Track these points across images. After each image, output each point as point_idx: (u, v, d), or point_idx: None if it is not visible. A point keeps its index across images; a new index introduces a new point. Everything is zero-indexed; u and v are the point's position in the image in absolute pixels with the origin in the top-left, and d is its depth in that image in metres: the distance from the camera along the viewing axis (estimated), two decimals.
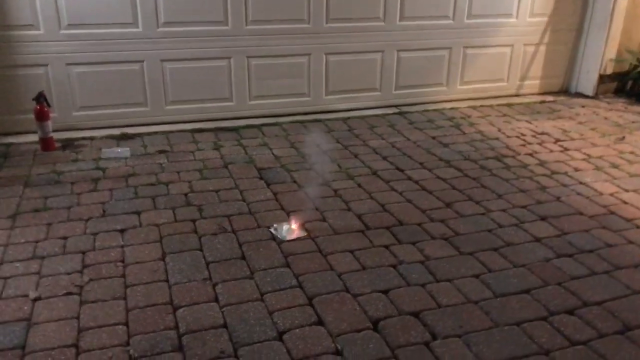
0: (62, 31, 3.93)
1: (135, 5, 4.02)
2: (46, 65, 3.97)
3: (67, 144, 3.91)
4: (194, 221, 2.94)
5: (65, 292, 2.33)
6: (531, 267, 2.59)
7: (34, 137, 3.83)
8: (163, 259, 2.60)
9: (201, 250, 2.67)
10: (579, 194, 3.37)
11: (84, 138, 4.03)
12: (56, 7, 3.86)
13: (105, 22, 3.99)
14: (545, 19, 5.22)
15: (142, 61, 4.18)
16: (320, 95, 4.71)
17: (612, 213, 3.14)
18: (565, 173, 3.66)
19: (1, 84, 3.91)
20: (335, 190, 3.34)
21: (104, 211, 3.02)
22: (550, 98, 5.39)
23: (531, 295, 2.38)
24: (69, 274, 2.46)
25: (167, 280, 2.43)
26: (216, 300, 2.31)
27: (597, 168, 3.75)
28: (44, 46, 3.92)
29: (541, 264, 2.62)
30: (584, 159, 3.90)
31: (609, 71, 5.34)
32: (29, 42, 3.88)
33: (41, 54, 3.93)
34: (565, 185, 3.48)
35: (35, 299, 2.28)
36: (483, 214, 3.10)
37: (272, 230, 2.86)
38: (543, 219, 3.06)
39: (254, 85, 4.53)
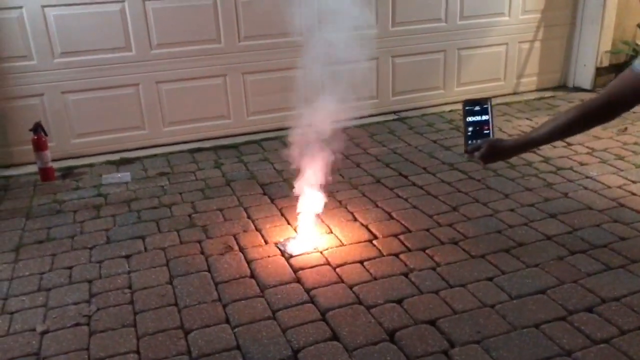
0: (56, 60, 3.92)
1: (128, 29, 4.01)
2: (41, 95, 3.95)
3: (67, 172, 3.89)
4: (199, 242, 2.90)
5: (73, 323, 2.29)
6: (545, 266, 2.54)
7: (34, 168, 3.81)
8: (171, 282, 2.56)
9: (209, 271, 2.63)
10: (586, 188, 3.33)
11: (83, 165, 4.00)
12: (48, 37, 3.85)
13: (99, 48, 3.99)
14: (538, 15, 5.21)
15: (138, 84, 4.17)
16: (320, 106, 4.68)
17: (622, 205, 3.09)
18: (571, 168, 3.63)
19: None
20: (340, 201, 3.30)
21: (108, 238, 2.98)
22: (548, 94, 5.36)
23: (547, 295, 2.33)
24: (76, 304, 2.42)
25: (176, 304, 2.39)
26: (227, 321, 2.26)
27: (602, 161, 3.72)
28: (38, 76, 3.90)
29: (555, 263, 2.57)
30: (588, 153, 3.86)
31: (606, 63, 5.32)
32: (23, 73, 3.87)
33: (36, 84, 3.91)
34: (571, 181, 3.44)
35: (43, 332, 2.24)
36: (491, 215, 3.06)
37: (279, 245, 2.82)
38: (552, 216, 3.01)
39: (251, 101, 4.51)
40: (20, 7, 3.74)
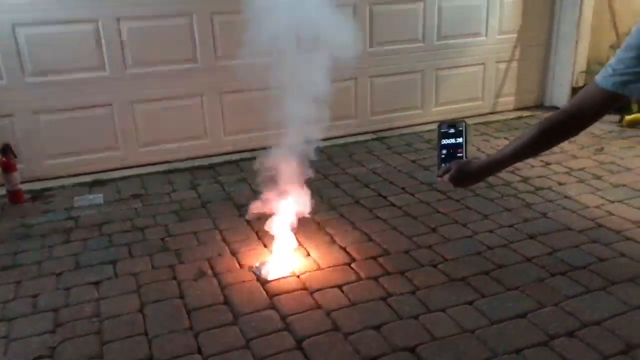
0: (27, 79, 3.83)
1: (101, 48, 3.94)
2: (11, 115, 3.84)
3: (37, 195, 3.77)
4: (172, 267, 2.81)
5: (35, 356, 2.17)
6: (525, 289, 2.50)
7: (2, 191, 3.68)
8: (141, 310, 2.46)
9: (181, 297, 2.54)
10: (565, 208, 3.32)
11: (54, 188, 3.89)
12: (19, 56, 3.76)
13: (71, 68, 3.90)
14: (514, 35, 5.26)
15: (111, 104, 4.08)
16: (297, 127, 4.63)
17: (601, 226, 3.08)
18: (549, 188, 3.62)
19: None
20: (318, 223, 3.24)
21: (77, 263, 2.87)
22: (526, 113, 5.40)
23: (528, 320, 2.29)
24: (40, 335, 2.30)
25: (146, 334, 2.29)
26: (199, 351, 2.17)
27: (580, 180, 3.72)
28: (8, 96, 3.80)
29: (535, 285, 2.54)
30: (566, 172, 3.87)
31: (581, 83, 5.38)
32: None
33: (5, 103, 3.80)
34: (550, 201, 3.43)
35: None
36: (470, 236, 3.03)
37: (254, 270, 2.75)
38: (532, 237, 2.99)
39: (228, 120, 4.45)
40: None
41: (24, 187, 3.73)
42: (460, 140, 1.66)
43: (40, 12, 3.73)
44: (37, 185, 3.89)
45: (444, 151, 1.66)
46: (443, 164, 1.66)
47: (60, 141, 4.01)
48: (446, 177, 1.63)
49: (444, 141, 1.65)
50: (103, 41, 3.93)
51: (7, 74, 3.77)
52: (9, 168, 3.58)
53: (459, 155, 1.66)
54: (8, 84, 3.79)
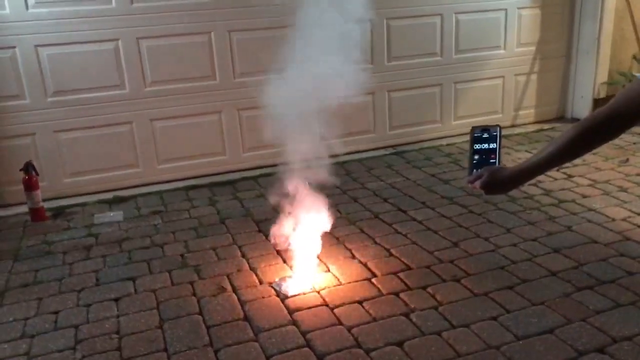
0: (49, 99, 3.89)
1: (121, 66, 3.99)
2: (33, 134, 3.90)
3: (58, 212, 3.80)
4: (191, 283, 2.79)
5: None
6: (551, 304, 2.44)
7: (24, 208, 3.72)
8: (161, 326, 2.44)
9: (201, 314, 2.52)
10: (590, 221, 3.24)
11: (75, 205, 3.92)
12: (41, 76, 3.82)
13: (92, 87, 3.96)
14: (533, 48, 5.22)
15: (132, 122, 4.12)
16: (315, 142, 4.63)
17: (628, 239, 3.00)
18: (573, 201, 3.55)
19: None
20: (338, 238, 3.21)
21: (97, 280, 2.88)
22: (547, 126, 5.33)
23: (555, 335, 2.22)
24: (60, 351, 2.30)
25: (165, 350, 2.27)
26: None
27: (605, 193, 3.64)
28: (30, 115, 3.86)
29: (561, 300, 2.47)
30: (590, 185, 3.79)
31: (603, 94, 5.30)
32: (15, 112, 3.82)
33: (28, 123, 3.87)
34: (574, 214, 3.36)
35: None
36: (493, 250, 2.97)
37: (274, 285, 2.72)
38: (556, 251, 2.92)
39: (246, 137, 4.46)
40: (14, 47, 3.73)
41: (46, 204, 3.76)
42: (494, 145, 1.58)
43: (62, 33, 3.80)
44: (58, 203, 3.93)
45: (476, 156, 1.59)
46: (474, 170, 1.58)
47: (81, 159, 4.05)
48: (478, 183, 1.54)
49: (477, 146, 1.59)
50: (123, 60, 3.98)
51: (30, 94, 3.83)
52: (31, 186, 3.61)
53: (492, 161, 1.59)
54: (31, 103, 3.85)
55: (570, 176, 3.94)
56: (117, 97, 4.04)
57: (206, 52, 4.19)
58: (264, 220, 3.49)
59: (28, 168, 3.63)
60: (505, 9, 5.01)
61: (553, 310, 2.39)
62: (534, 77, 5.32)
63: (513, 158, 4.38)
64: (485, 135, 1.58)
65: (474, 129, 1.59)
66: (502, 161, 1.59)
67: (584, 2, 5.18)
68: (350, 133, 4.77)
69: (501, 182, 1.53)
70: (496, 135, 1.58)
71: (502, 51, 5.11)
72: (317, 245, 2.87)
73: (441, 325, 2.34)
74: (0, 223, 3.68)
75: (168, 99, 4.16)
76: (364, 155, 4.71)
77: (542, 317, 2.35)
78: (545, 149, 1.44)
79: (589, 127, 1.34)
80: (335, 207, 3.63)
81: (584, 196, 3.61)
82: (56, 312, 2.59)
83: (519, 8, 5.06)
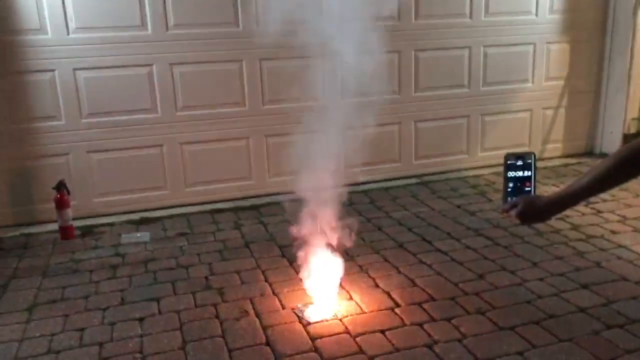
0: (83, 120, 4.00)
1: (154, 91, 4.10)
2: (67, 154, 4.01)
3: (87, 231, 3.87)
4: (215, 305, 2.81)
5: None
6: (579, 341, 2.38)
7: (55, 226, 3.80)
8: (183, 348, 2.45)
9: (223, 337, 2.53)
10: (619, 258, 3.18)
11: (103, 224, 3.99)
12: (78, 98, 3.94)
13: (125, 110, 4.06)
14: (562, 82, 5.21)
15: (162, 145, 4.21)
16: (339, 169, 4.66)
17: None
18: (602, 236, 3.49)
19: (23, 175, 3.95)
20: (361, 266, 3.20)
21: (122, 299, 2.91)
22: (574, 160, 5.27)
23: None
24: None
25: None
26: None
27: (636, 230, 3.57)
28: (65, 136, 3.97)
29: (589, 337, 2.41)
30: (619, 221, 3.73)
31: (633, 130, 5.24)
32: (51, 132, 3.94)
33: (62, 143, 3.98)
34: (603, 250, 3.30)
35: None
36: (519, 284, 2.93)
37: (297, 311, 2.72)
38: (585, 286, 2.86)
39: (272, 163, 4.51)
40: (53, 70, 3.86)
41: (75, 223, 3.84)
42: (528, 173, 1.56)
43: (100, 57, 3.93)
44: (87, 222, 4.00)
45: (510, 184, 1.56)
46: (509, 198, 1.55)
47: (111, 179, 4.14)
48: (513, 212, 1.51)
49: (511, 173, 1.56)
50: (156, 85, 4.09)
51: (66, 115, 3.95)
52: (62, 204, 3.70)
53: (527, 189, 1.56)
54: (66, 124, 3.97)
55: (599, 212, 3.88)
56: (149, 121, 4.14)
57: (237, 79, 4.28)
58: (287, 246, 3.50)
59: (60, 187, 3.72)
60: (534, 43, 5.03)
61: (581, 348, 2.34)
62: (562, 111, 5.29)
63: (540, 192, 4.32)
64: (520, 163, 1.56)
65: (507, 156, 1.57)
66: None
67: (614, 37, 5.17)
68: (376, 162, 4.79)
69: (538, 211, 1.49)
70: (531, 162, 1.55)
71: (530, 85, 5.11)
72: (338, 273, 2.87)
73: (465, 358, 2.30)
74: (31, 240, 3.76)
75: (198, 123, 4.24)
76: (389, 184, 4.72)
77: (570, 354, 2.30)
78: (583, 177, 1.40)
79: (631, 155, 1.31)
80: (359, 235, 3.63)
81: (614, 232, 3.54)
82: (82, 329, 2.62)
83: (547, 43, 5.07)
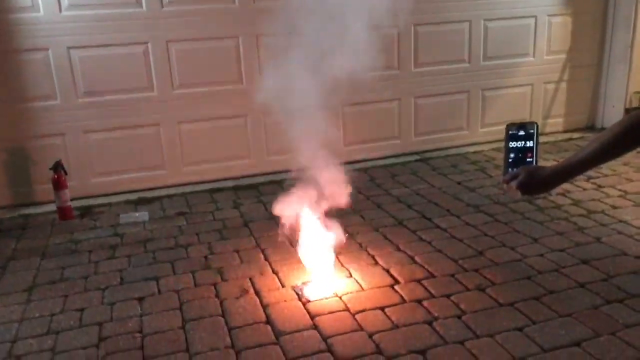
0: (79, 100, 3.96)
1: (150, 69, 4.05)
2: (63, 134, 3.97)
3: (85, 211, 3.86)
4: (214, 285, 2.80)
5: None
6: (579, 316, 2.38)
7: (53, 207, 3.79)
8: (183, 327, 2.45)
9: (223, 315, 2.52)
10: (620, 233, 3.17)
11: (102, 205, 3.98)
12: (72, 77, 3.90)
13: (121, 89, 4.02)
14: (564, 55, 5.14)
15: (159, 124, 4.17)
16: (339, 147, 4.63)
17: None
18: (603, 212, 3.47)
19: (20, 156, 3.92)
20: (360, 244, 3.19)
21: (121, 279, 2.91)
22: (576, 135, 5.23)
23: (583, 348, 2.17)
24: (84, 348, 2.33)
25: (187, 351, 2.28)
26: None
27: (636, 204, 3.55)
28: (61, 116, 3.94)
29: (589, 312, 2.41)
30: (620, 196, 3.70)
31: (635, 104, 5.19)
32: (46, 112, 3.90)
33: (58, 123, 3.94)
34: (604, 225, 3.28)
35: None
36: (519, 260, 2.92)
37: (296, 289, 2.71)
38: (585, 262, 2.85)
39: (271, 141, 4.47)
40: (47, 49, 3.81)
41: (73, 203, 3.83)
42: (530, 143, 1.52)
43: (94, 35, 3.87)
44: (86, 202, 3.99)
45: (512, 155, 1.52)
46: (510, 169, 1.52)
47: (109, 159, 4.11)
48: (514, 183, 1.47)
49: (512, 144, 1.52)
50: (152, 63, 4.04)
51: (61, 95, 3.91)
52: (60, 185, 3.68)
53: (528, 159, 1.52)
54: (61, 104, 3.93)
55: (600, 186, 3.86)
56: (146, 99, 4.09)
57: (233, 56, 4.22)
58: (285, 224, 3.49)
59: (57, 167, 3.70)
60: (535, 16, 4.94)
61: (581, 323, 2.33)
62: (563, 85, 5.23)
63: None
64: (522, 133, 1.51)
65: (509, 126, 1.53)
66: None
67: (616, 9, 5.09)
68: (375, 138, 4.76)
69: (540, 182, 1.45)
70: (533, 132, 1.51)
71: (531, 58, 5.04)
72: (337, 250, 2.86)
73: (465, 334, 2.30)
74: (29, 221, 3.75)
75: (195, 102, 4.20)
76: (388, 161, 4.69)
77: (570, 329, 2.30)
78: (587, 146, 1.36)
79: (636, 123, 1.27)
80: (359, 213, 3.62)
81: (614, 207, 3.53)
82: (81, 310, 2.62)
83: (549, 15, 4.99)
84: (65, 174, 3.74)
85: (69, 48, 3.85)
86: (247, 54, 4.24)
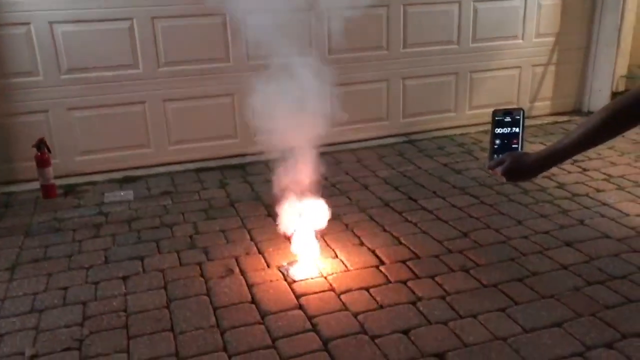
0: (62, 76, 3.89)
1: (135, 46, 3.98)
2: (46, 111, 3.91)
3: (69, 190, 3.82)
4: (199, 264, 2.80)
5: (64, 347, 2.19)
6: (561, 298, 2.41)
7: (36, 185, 3.74)
8: (168, 306, 2.45)
9: (208, 295, 2.52)
10: (603, 216, 3.20)
11: (86, 183, 3.93)
12: (55, 53, 3.82)
13: (106, 65, 3.95)
14: (552, 38, 5.13)
15: (144, 102, 4.12)
16: (327, 128, 4.61)
17: None
18: (587, 195, 3.50)
19: (1, 133, 3.85)
20: (347, 224, 3.19)
21: (106, 258, 2.89)
22: (563, 118, 5.25)
23: (564, 329, 2.20)
24: (68, 327, 2.32)
25: (172, 330, 2.28)
26: (225, 349, 2.15)
27: (620, 188, 3.59)
28: (43, 92, 3.87)
29: (571, 294, 2.44)
30: (604, 179, 3.74)
31: (621, 88, 5.21)
32: (29, 89, 3.83)
33: (41, 100, 3.87)
34: (587, 208, 3.31)
35: (32, 357, 2.14)
36: (503, 242, 2.94)
37: (282, 270, 2.72)
38: (568, 244, 2.89)
39: (258, 120, 4.43)
40: (28, 24, 3.72)
41: (57, 182, 3.78)
42: (516, 129, 1.51)
43: (77, 10, 3.79)
44: (70, 181, 3.94)
45: (497, 141, 1.51)
46: (495, 155, 1.51)
47: (93, 137, 4.06)
48: (499, 169, 1.47)
49: (498, 130, 1.51)
50: (137, 39, 3.97)
51: (44, 71, 3.84)
52: (43, 163, 3.63)
53: (514, 146, 1.51)
54: (44, 80, 3.85)
55: (584, 170, 3.89)
56: (131, 77, 4.03)
57: (220, 33, 4.16)
58: (273, 204, 3.48)
59: (40, 145, 3.64)
60: None
61: (562, 304, 2.36)
62: (551, 68, 5.24)
63: (527, 150, 4.32)
64: (508, 119, 1.50)
65: (495, 112, 1.51)
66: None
67: None
68: (362, 120, 4.74)
69: (525, 168, 1.45)
70: (519, 119, 1.50)
71: (520, 41, 5.03)
72: (323, 231, 2.86)
73: (448, 314, 2.32)
74: (11, 199, 3.71)
75: (181, 79, 4.14)
76: (375, 142, 4.68)
77: (551, 310, 2.33)
78: (572, 132, 1.36)
79: (624, 108, 1.26)
80: (346, 194, 3.62)
81: (598, 190, 3.56)
82: (65, 288, 2.61)
83: None
84: (49, 151, 3.69)
85: (51, 23, 3.76)
86: (234, 31, 4.17)
